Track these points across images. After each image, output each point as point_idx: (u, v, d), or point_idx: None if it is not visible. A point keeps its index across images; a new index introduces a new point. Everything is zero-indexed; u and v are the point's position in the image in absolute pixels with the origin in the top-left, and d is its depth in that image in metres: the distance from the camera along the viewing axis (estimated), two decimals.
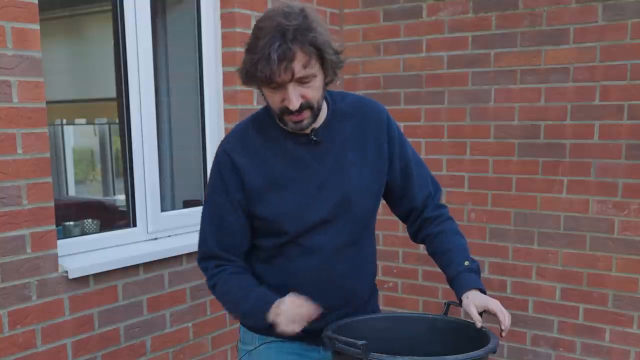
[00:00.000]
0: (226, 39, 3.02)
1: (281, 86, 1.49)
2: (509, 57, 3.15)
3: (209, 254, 1.72)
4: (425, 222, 1.83)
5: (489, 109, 3.25)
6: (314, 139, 1.63)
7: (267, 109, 1.67)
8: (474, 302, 1.65)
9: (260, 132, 1.66)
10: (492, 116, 3.24)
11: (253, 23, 3.20)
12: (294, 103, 1.49)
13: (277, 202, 1.63)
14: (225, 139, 1.71)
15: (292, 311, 1.53)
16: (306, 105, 1.52)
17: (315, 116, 1.58)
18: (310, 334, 1.71)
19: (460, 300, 1.70)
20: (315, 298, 1.66)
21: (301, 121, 1.55)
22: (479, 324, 1.62)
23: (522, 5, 3.09)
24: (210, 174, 1.71)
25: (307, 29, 1.46)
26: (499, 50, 3.17)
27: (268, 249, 1.70)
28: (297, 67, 1.45)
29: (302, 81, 1.49)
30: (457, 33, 3.27)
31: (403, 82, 3.47)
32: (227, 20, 3.01)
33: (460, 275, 1.72)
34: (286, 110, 1.52)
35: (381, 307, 3.68)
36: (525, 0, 3.08)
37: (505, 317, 1.61)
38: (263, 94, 1.61)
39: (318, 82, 1.53)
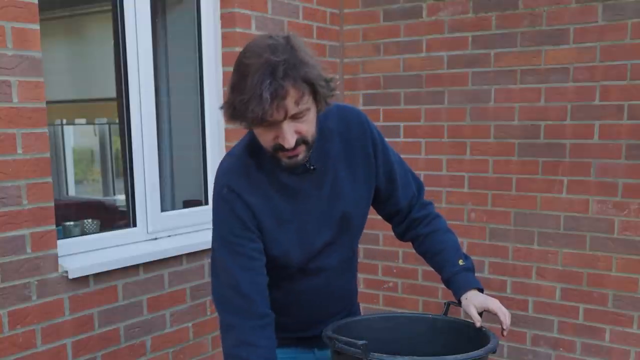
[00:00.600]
0: (226, 39, 3.02)
1: (273, 124, 1.42)
2: (509, 57, 3.15)
3: (240, 303, 1.53)
4: (414, 222, 1.82)
5: (489, 109, 3.25)
6: (311, 167, 1.58)
7: (255, 139, 1.56)
8: (473, 302, 1.65)
9: (259, 166, 1.57)
10: (492, 116, 3.24)
11: (253, 23, 3.20)
12: (290, 141, 1.43)
13: (284, 239, 1.59)
14: (225, 174, 1.59)
15: None
16: (301, 141, 1.46)
17: (309, 149, 1.51)
18: (303, 340, 1.75)
19: (459, 301, 1.70)
20: (316, 309, 1.72)
21: (296, 156, 1.48)
22: (478, 324, 1.62)
23: (522, 5, 3.09)
24: (218, 213, 1.58)
25: (297, 64, 1.38)
26: (499, 50, 3.17)
27: (274, 277, 1.62)
28: (290, 105, 1.39)
29: (295, 117, 1.42)
30: (457, 33, 3.27)
31: (403, 82, 3.47)
32: (227, 20, 3.01)
33: (457, 276, 1.72)
34: (280, 148, 1.46)
35: (381, 307, 3.69)
36: (525, 0, 3.08)
37: (505, 316, 1.62)
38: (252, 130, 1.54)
39: (311, 115, 1.46)
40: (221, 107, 1.50)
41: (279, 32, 1.47)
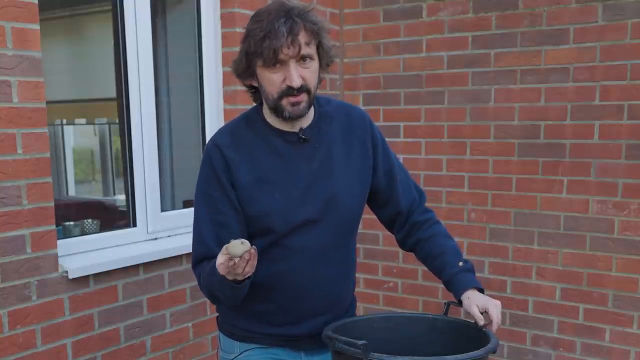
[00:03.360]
0: (226, 39, 3.02)
1: (283, 65, 1.51)
2: (509, 57, 3.15)
3: (206, 255, 1.63)
4: (414, 226, 1.83)
5: (489, 109, 3.25)
6: (302, 137, 1.63)
7: (256, 109, 1.69)
8: (475, 302, 1.65)
9: (250, 128, 1.66)
10: (492, 116, 3.24)
11: None
12: (296, 80, 1.51)
13: (264, 199, 1.61)
14: (216, 133, 1.71)
15: (229, 270, 1.45)
16: (305, 88, 1.54)
17: (310, 103, 1.59)
18: (291, 341, 1.73)
19: (460, 301, 1.70)
20: (298, 301, 1.68)
21: (299, 103, 1.55)
22: (481, 322, 1.62)
23: (522, 5, 3.09)
24: (202, 167, 1.69)
25: (308, 11, 1.53)
26: (499, 50, 3.17)
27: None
28: (302, 42, 1.50)
29: (303, 60, 1.53)
30: (457, 33, 3.27)
31: (403, 82, 3.47)
32: (227, 20, 3.01)
33: (457, 276, 1.72)
34: (286, 91, 1.54)
35: (381, 307, 3.69)
36: (525, 0, 3.08)
37: (499, 318, 1.63)
38: (254, 89, 1.63)
39: (315, 65, 1.56)
40: (233, 62, 1.61)
41: None
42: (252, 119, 1.68)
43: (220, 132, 1.70)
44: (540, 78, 3.09)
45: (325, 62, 1.60)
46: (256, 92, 1.65)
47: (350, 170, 1.69)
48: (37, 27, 2.20)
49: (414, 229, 1.83)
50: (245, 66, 1.57)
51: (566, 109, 3.05)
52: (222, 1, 3.00)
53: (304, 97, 1.55)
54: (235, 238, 1.47)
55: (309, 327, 1.69)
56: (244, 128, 1.67)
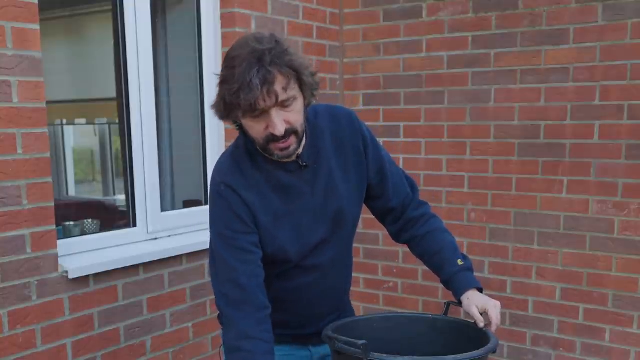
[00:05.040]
0: (226, 39, 3.02)
1: (264, 113, 1.45)
2: (509, 57, 3.15)
3: (248, 297, 1.55)
4: (410, 222, 1.82)
5: (489, 109, 3.25)
6: (303, 164, 1.61)
7: (249, 140, 1.61)
8: (475, 303, 1.65)
9: (253, 164, 1.61)
10: (492, 116, 3.24)
11: (253, 23, 3.21)
12: (279, 128, 1.46)
13: (280, 235, 1.61)
14: (221, 172, 1.62)
15: None
16: (291, 131, 1.50)
17: (300, 141, 1.55)
18: (299, 338, 1.77)
19: (460, 301, 1.70)
20: (309, 309, 1.74)
21: (287, 148, 1.51)
22: (481, 324, 1.62)
23: (522, 5, 3.09)
24: (217, 208, 1.60)
25: (282, 52, 1.44)
26: (499, 50, 3.17)
27: (270, 274, 1.64)
28: (279, 90, 1.43)
29: (284, 105, 1.46)
30: (457, 33, 3.27)
31: (403, 82, 3.47)
32: (227, 20, 3.01)
33: (457, 276, 1.72)
34: (271, 138, 1.49)
35: (381, 307, 3.68)
36: (525, 0, 3.08)
37: (498, 319, 1.63)
38: (241, 129, 1.57)
39: (299, 105, 1.50)
40: (212, 106, 1.53)
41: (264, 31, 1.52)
42: (249, 149, 1.62)
43: (228, 170, 1.61)
44: (540, 78, 3.09)
45: (310, 94, 1.54)
46: (242, 127, 1.59)
47: (348, 180, 1.69)
48: (37, 27, 2.20)
49: (409, 225, 1.83)
50: (225, 114, 1.51)
51: (566, 109, 3.05)
52: (222, 1, 3.00)
53: (291, 140, 1.51)
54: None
55: (317, 327, 1.73)
56: (249, 165, 1.61)
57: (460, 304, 1.71)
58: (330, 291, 1.76)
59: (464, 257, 1.75)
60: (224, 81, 1.46)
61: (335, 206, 1.66)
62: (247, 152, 1.62)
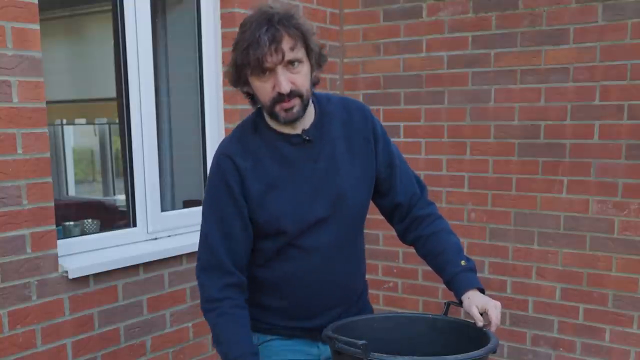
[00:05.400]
0: (226, 39, 3.02)
1: (271, 72, 1.53)
2: (509, 57, 3.15)
3: (216, 266, 1.66)
4: (415, 221, 1.83)
5: (489, 109, 3.25)
6: (306, 138, 1.66)
7: (260, 113, 1.70)
8: (475, 302, 1.65)
9: (256, 134, 1.68)
10: (492, 116, 3.24)
11: None
12: (284, 86, 1.53)
13: (275, 204, 1.64)
14: (224, 142, 1.72)
15: None
16: (296, 93, 1.56)
17: (304, 106, 1.60)
18: (308, 332, 1.76)
19: (461, 301, 1.70)
20: (312, 298, 1.72)
21: (291, 108, 1.57)
22: (480, 323, 1.62)
23: (522, 5, 3.09)
24: (211, 177, 1.69)
25: (290, 16, 1.54)
26: (499, 50, 3.17)
27: (266, 252, 1.70)
28: (286, 49, 1.51)
29: (290, 65, 1.54)
30: (457, 33, 3.27)
31: (403, 82, 3.47)
32: (227, 20, 3.01)
33: (459, 276, 1.72)
34: (277, 98, 1.56)
35: (381, 307, 3.68)
36: (525, 0, 3.08)
37: (498, 319, 1.63)
38: (252, 95, 1.65)
39: (305, 69, 1.58)
40: (225, 73, 1.66)
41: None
42: (256, 124, 1.70)
43: (228, 141, 1.71)
44: (540, 78, 3.09)
45: (316, 62, 1.62)
46: (254, 97, 1.67)
47: (354, 166, 1.71)
48: (37, 27, 2.20)
49: (414, 224, 1.83)
50: (236, 76, 1.60)
51: (566, 109, 3.05)
52: (222, 1, 3.00)
53: (295, 101, 1.57)
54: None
55: (323, 320, 1.72)
56: (251, 135, 1.68)
57: (460, 304, 1.71)
58: (333, 281, 1.73)
59: (468, 259, 1.75)
60: (235, 45, 1.56)
61: (336, 186, 1.68)
62: (252, 123, 1.70)
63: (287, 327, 1.76)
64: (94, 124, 4.46)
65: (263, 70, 1.53)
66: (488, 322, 1.63)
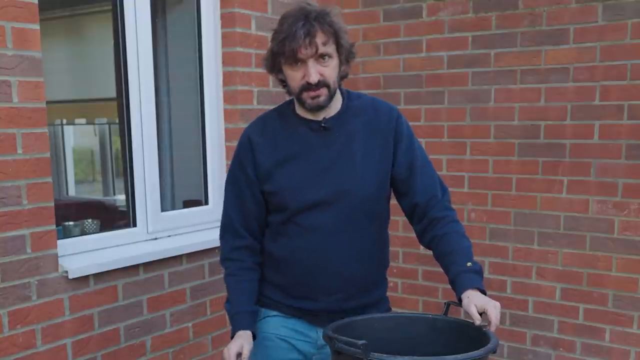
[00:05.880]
0: (226, 39, 3.02)
1: (303, 63, 1.68)
2: (509, 57, 3.15)
3: (230, 229, 1.88)
4: (432, 222, 1.85)
5: (489, 109, 3.25)
6: (324, 125, 1.78)
7: (290, 102, 1.84)
8: (474, 302, 1.65)
9: (279, 117, 1.84)
10: (492, 116, 3.24)
11: (253, 23, 3.23)
12: (313, 76, 1.67)
13: (280, 178, 1.78)
14: (249, 127, 1.89)
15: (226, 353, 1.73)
16: (323, 83, 1.70)
17: (331, 96, 1.74)
18: (308, 313, 1.85)
19: (460, 300, 1.71)
20: (311, 277, 1.81)
21: (318, 97, 1.71)
22: (477, 322, 1.62)
23: (522, 5, 3.09)
24: (234, 153, 1.87)
25: (326, 14, 1.68)
26: (499, 50, 3.17)
27: (274, 225, 1.84)
28: (319, 43, 1.65)
29: (321, 59, 1.68)
30: (457, 33, 3.27)
31: (403, 82, 3.47)
32: (227, 20, 3.01)
33: (462, 275, 1.72)
34: (306, 87, 1.70)
35: None
36: (525, 0, 3.08)
37: (498, 320, 1.62)
38: (284, 82, 1.77)
39: (334, 63, 1.72)
40: (263, 60, 1.79)
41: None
42: (283, 109, 1.86)
43: (253, 121, 1.90)
44: (540, 78, 3.09)
45: (345, 58, 1.75)
46: (286, 84, 1.79)
47: (368, 160, 1.79)
48: (37, 27, 2.20)
49: (431, 225, 1.85)
50: (271, 63, 1.75)
51: (566, 109, 3.05)
52: (222, 1, 3.00)
53: (323, 91, 1.71)
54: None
55: (324, 304, 1.82)
56: (275, 117, 1.85)
57: (460, 303, 1.71)
58: (331, 265, 1.78)
59: (475, 263, 1.76)
60: (274, 36, 1.71)
61: (344, 176, 1.76)
62: (280, 109, 1.88)
63: (288, 305, 1.86)
64: (94, 124, 4.47)
65: (296, 60, 1.67)
66: (488, 322, 1.63)
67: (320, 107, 1.75)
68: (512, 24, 3.12)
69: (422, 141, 3.44)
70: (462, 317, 1.76)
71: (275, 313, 1.89)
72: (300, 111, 1.81)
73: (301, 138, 1.79)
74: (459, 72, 3.29)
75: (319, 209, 1.76)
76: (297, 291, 1.83)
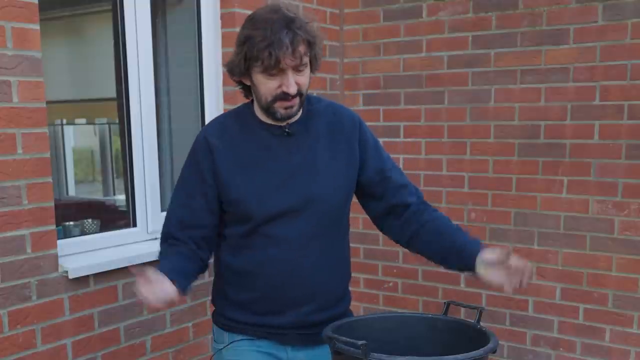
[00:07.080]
0: (226, 39, 3.02)
1: (281, 72, 1.59)
2: (509, 57, 3.15)
3: (166, 235, 1.77)
4: (415, 214, 1.82)
5: (489, 109, 3.25)
6: (287, 131, 1.71)
7: (248, 105, 1.78)
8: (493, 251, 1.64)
9: (238, 121, 1.76)
10: (492, 116, 3.24)
11: None
12: (293, 87, 1.61)
13: (242, 185, 1.69)
14: (205, 128, 1.81)
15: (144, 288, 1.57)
16: (298, 93, 1.64)
17: (301, 104, 1.69)
18: (276, 331, 1.76)
19: (474, 266, 1.68)
20: (280, 290, 1.73)
21: (292, 107, 1.65)
22: (504, 253, 1.61)
23: (522, 5, 3.09)
24: (187, 156, 1.79)
25: (306, 23, 1.62)
26: (499, 50, 3.17)
27: (235, 238, 1.73)
28: (302, 53, 1.59)
29: (299, 68, 1.62)
30: (457, 33, 3.27)
31: (403, 82, 3.47)
32: (227, 20, 3.01)
33: (472, 241, 1.72)
34: (281, 96, 1.62)
35: (381, 307, 3.67)
36: (525, 0, 3.08)
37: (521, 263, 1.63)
38: (250, 89, 1.68)
39: (308, 71, 1.66)
40: (227, 64, 1.69)
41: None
42: (241, 112, 1.78)
43: (209, 123, 1.82)
44: (540, 78, 3.09)
45: (315, 66, 1.69)
46: (247, 89, 1.72)
47: (333, 166, 1.73)
48: (37, 27, 2.20)
49: (413, 217, 1.82)
50: (243, 68, 1.64)
51: (566, 109, 3.05)
52: (222, 1, 3.00)
53: (296, 100, 1.65)
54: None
55: (292, 317, 1.73)
56: (233, 120, 1.77)
57: (473, 270, 1.68)
58: (301, 274, 1.72)
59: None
60: (249, 38, 1.59)
61: (310, 182, 1.70)
62: (236, 112, 1.80)
63: (256, 324, 1.75)
64: (94, 124, 4.46)
65: (278, 69, 1.59)
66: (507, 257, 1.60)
67: (291, 117, 1.69)
68: (512, 24, 3.12)
69: (422, 141, 3.45)
70: (462, 317, 1.76)
71: (240, 337, 1.79)
72: (260, 115, 1.73)
73: (262, 144, 1.71)
74: (459, 72, 3.29)
75: (287, 218, 1.69)
76: (262, 307, 1.75)
